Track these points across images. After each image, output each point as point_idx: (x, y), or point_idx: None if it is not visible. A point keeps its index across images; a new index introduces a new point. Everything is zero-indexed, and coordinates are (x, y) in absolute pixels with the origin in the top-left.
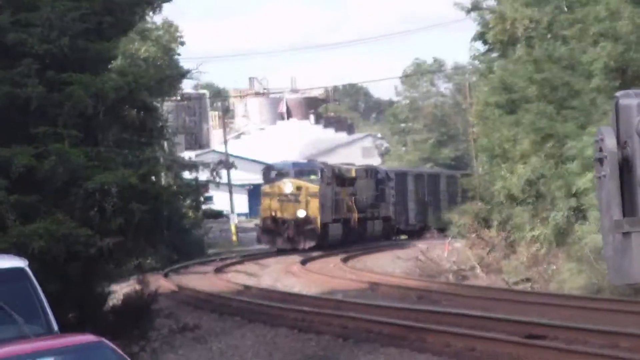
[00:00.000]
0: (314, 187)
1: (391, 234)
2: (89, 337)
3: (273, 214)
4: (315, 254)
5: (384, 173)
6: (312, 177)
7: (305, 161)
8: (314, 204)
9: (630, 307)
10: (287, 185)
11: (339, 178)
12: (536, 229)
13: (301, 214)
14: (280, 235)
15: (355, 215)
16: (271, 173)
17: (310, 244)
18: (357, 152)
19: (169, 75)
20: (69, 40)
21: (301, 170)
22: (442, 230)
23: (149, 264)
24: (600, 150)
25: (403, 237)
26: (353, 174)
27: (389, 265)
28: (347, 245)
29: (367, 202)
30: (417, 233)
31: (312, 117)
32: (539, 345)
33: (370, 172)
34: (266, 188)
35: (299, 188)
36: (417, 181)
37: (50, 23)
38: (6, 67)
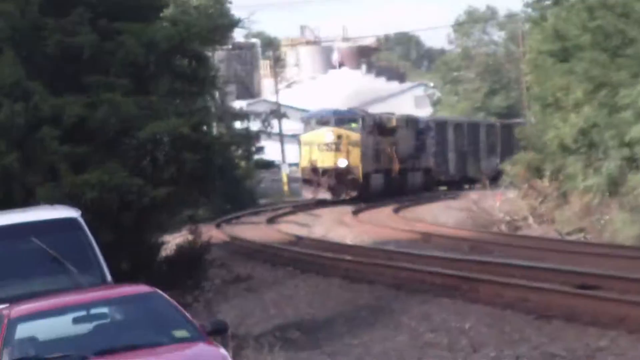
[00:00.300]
0: (356, 135)
1: (432, 186)
2: (142, 288)
3: (313, 163)
4: (365, 204)
5: (424, 123)
6: (353, 125)
7: (346, 109)
8: (356, 153)
9: None
10: (328, 134)
11: (380, 127)
12: (589, 178)
13: (342, 163)
14: (321, 185)
15: (397, 166)
16: (311, 121)
17: (351, 194)
18: (409, 101)
19: (220, 24)
20: None
21: (342, 119)
22: (476, 181)
23: (202, 214)
24: None
25: (442, 188)
26: (394, 123)
27: (441, 216)
28: (389, 197)
29: (408, 153)
30: (456, 184)
31: (364, 66)
32: (592, 296)
33: (410, 121)
34: (305, 137)
35: (339, 136)
36: (456, 131)
37: None
38: (58, 16)
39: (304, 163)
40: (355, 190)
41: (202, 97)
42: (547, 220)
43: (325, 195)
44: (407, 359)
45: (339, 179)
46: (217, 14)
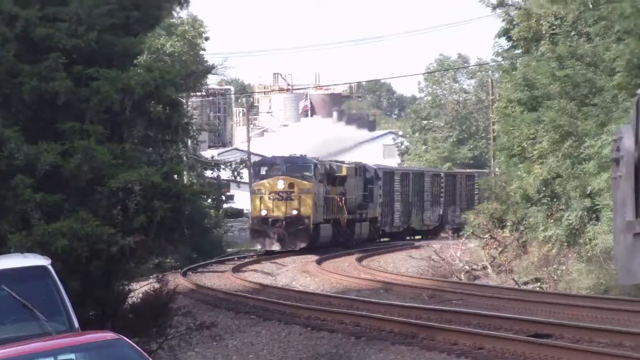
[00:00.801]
0: (308, 184)
1: (376, 237)
2: (108, 335)
3: (264, 213)
4: (330, 253)
5: (372, 171)
6: (306, 173)
7: (298, 156)
8: (307, 202)
9: (636, 307)
10: (279, 182)
11: (330, 175)
12: (549, 229)
13: (294, 212)
14: (270, 236)
15: (345, 216)
16: (261, 169)
17: (301, 245)
18: (379, 150)
19: (194, 70)
20: (97, 35)
21: (294, 166)
22: (423, 233)
23: (169, 263)
24: (618, 149)
25: (384, 239)
26: (344, 172)
27: (403, 265)
28: (337, 248)
29: (357, 202)
30: (400, 235)
31: (335, 114)
32: (544, 344)
33: (359, 169)
34: (256, 185)
35: (291, 185)
36: (402, 180)
37: (78, 18)
38: (34, 62)
39: (255, 213)
40: (305, 241)
41: (175, 145)
42: (506, 270)
43: (274, 246)
44: None
45: (289, 229)
46: (191, 61)
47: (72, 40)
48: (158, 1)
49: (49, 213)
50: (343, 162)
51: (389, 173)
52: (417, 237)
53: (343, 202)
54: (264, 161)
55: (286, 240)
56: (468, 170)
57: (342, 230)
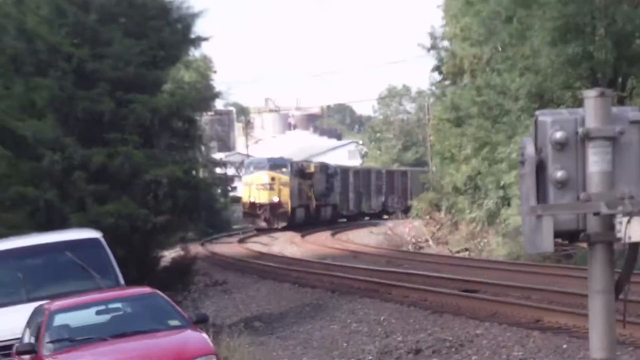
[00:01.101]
0: (285, 178)
1: (337, 218)
2: (146, 289)
3: (252, 200)
4: (309, 229)
5: (333, 169)
6: (284, 169)
7: (278, 157)
8: (285, 191)
9: (539, 270)
10: (264, 176)
11: (302, 172)
12: (473, 212)
13: (275, 199)
14: (259, 217)
15: (314, 202)
16: (250, 166)
17: (282, 224)
18: (344, 154)
19: (205, 96)
20: (133, 69)
21: (274, 165)
22: (370, 215)
23: (190, 236)
24: (523, 154)
25: (342, 220)
26: (312, 169)
27: (366, 238)
28: (309, 226)
29: (321, 192)
30: (354, 217)
31: (311, 128)
32: (472, 297)
33: (323, 167)
34: (246, 178)
35: (273, 178)
36: (355, 176)
37: (119, 56)
38: (86, 89)
39: (245, 199)
40: (285, 221)
41: (192, 150)
42: (443, 242)
43: (262, 224)
44: (339, 342)
45: (272, 212)
46: (203, 88)
47: (114, 73)
48: (179, 44)
49: (99, 199)
50: (311, 162)
51: (345, 170)
52: (366, 219)
53: (312, 192)
54: (252, 161)
55: (270, 220)
56: (402, 168)
57: (312, 213)
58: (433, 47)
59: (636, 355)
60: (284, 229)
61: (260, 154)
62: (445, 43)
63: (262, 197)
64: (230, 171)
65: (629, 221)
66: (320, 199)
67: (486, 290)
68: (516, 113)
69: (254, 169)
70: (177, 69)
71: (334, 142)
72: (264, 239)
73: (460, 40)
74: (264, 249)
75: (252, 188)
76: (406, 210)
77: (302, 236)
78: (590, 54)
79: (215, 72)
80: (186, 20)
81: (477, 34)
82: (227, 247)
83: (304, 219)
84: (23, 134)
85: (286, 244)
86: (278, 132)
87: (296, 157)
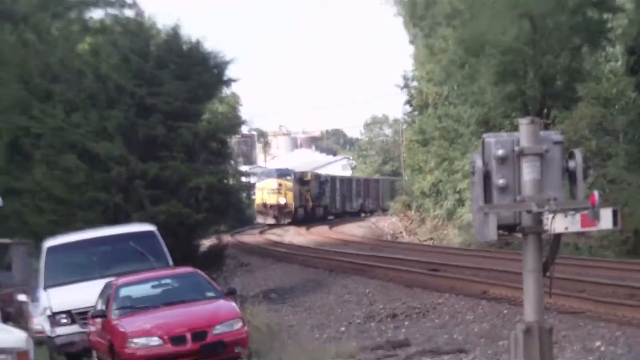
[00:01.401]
0: (289, 184)
1: (327, 216)
2: (188, 269)
3: (264, 201)
4: (312, 224)
5: (324, 177)
6: (288, 177)
7: (284, 168)
8: (290, 195)
9: (486, 254)
10: (273, 183)
11: (301, 180)
12: (436, 211)
13: (282, 201)
14: (269, 214)
15: (310, 204)
16: (262, 175)
17: (287, 220)
18: (338, 167)
19: (234, 123)
20: (180, 104)
21: (281, 174)
22: (351, 213)
23: (222, 229)
24: (473, 167)
25: (331, 217)
26: (309, 177)
27: (354, 231)
28: (307, 222)
29: (315, 196)
30: (339, 215)
31: (313, 147)
32: (437, 275)
33: (317, 176)
34: (259, 184)
35: (280, 185)
36: (341, 183)
37: (170, 93)
38: (144, 118)
39: (258, 201)
40: (289, 218)
41: (224, 164)
42: (413, 233)
43: (271, 221)
44: (334, 309)
45: (279, 211)
46: (232, 117)
47: (166, 106)
48: (214, 84)
49: (154, 201)
50: (308, 172)
51: (333, 179)
52: (347, 216)
53: (309, 195)
54: (264, 171)
55: (278, 217)
56: (375, 177)
57: (309, 212)
58: (405, 86)
59: (559, 318)
60: (288, 224)
61: (275, 166)
62: (415, 83)
63: (271, 199)
64: (253, 180)
65: (553, 217)
66: (315, 201)
67: (446, 269)
68: (468, 136)
69: (265, 177)
70: (212, 102)
71: (330, 157)
72: (278, 231)
73: (426, 81)
74: (278, 239)
75: (264, 192)
76: (382, 210)
77: (307, 229)
78: (523, 91)
79: (241, 105)
80: (220, 66)
81: (438, 76)
82: (250, 237)
83: (303, 216)
84: (97, 152)
85: (295, 235)
86: (289, 150)
87: (302, 169)
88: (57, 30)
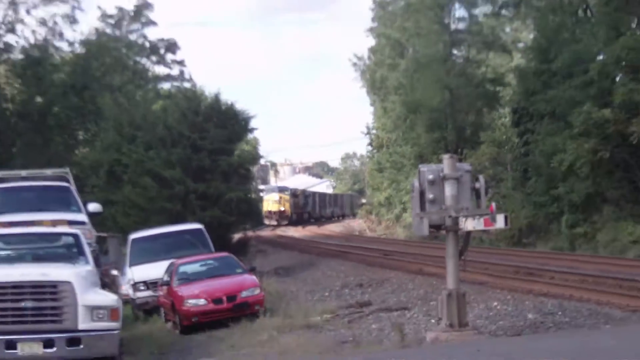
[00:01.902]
0: (287, 197)
1: (310, 220)
2: (225, 253)
3: (269, 209)
4: (302, 225)
5: (309, 193)
6: (286, 192)
7: (283, 185)
8: (287, 205)
9: (421, 244)
10: (275, 196)
11: (294, 194)
12: (388, 215)
13: (282, 209)
14: (272, 219)
15: (300, 210)
16: (267, 190)
17: (285, 222)
18: (324, 187)
19: (254, 157)
20: (219, 144)
21: (281, 190)
22: (326, 217)
23: (247, 227)
24: (412, 187)
25: (312, 220)
26: (299, 193)
27: (335, 228)
28: (300, 223)
29: (303, 205)
30: (318, 219)
31: (307, 173)
32: (388, 258)
33: (303, 192)
34: (265, 197)
35: (280, 197)
36: (319, 197)
37: (213, 137)
38: (196, 154)
39: (265, 209)
40: (287, 221)
41: (248, 184)
42: (373, 230)
43: (274, 223)
44: (321, 280)
45: (279, 216)
46: (254, 153)
47: (210, 146)
48: (242, 131)
49: (202, 208)
50: (298, 189)
51: (314, 194)
52: (323, 220)
53: (299, 205)
54: (268, 187)
55: (279, 221)
56: (341, 193)
57: (299, 217)
58: (368, 132)
59: (470, 287)
60: (286, 225)
61: (277, 185)
62: (374, 131)
63: (274, 207)
64: (262, 194)
65: (465, 220)
66: (302, 209)
67: (395, 254)
68: (409, 166)
69: (269, 192)
70: (241, 143)
71: (318, 180)
72: (283, 228)
73: (381, 129)
74: (283, 234)
75: (269, 202)
76: (349, 215)
77: (303, 227)
78: (445, 137)
79: (260, 145)
80: (246, 120)
81: (389, 127)
82: (266, 233)
83: (296, 220)
84: (165, 176)
85: (294, 231)
86: (291, 175)
87: (300, 188)
88: (140, 96)
